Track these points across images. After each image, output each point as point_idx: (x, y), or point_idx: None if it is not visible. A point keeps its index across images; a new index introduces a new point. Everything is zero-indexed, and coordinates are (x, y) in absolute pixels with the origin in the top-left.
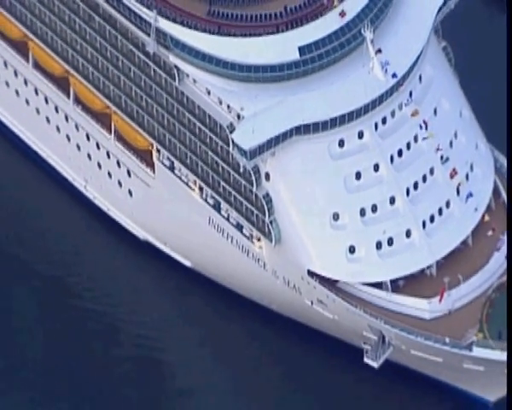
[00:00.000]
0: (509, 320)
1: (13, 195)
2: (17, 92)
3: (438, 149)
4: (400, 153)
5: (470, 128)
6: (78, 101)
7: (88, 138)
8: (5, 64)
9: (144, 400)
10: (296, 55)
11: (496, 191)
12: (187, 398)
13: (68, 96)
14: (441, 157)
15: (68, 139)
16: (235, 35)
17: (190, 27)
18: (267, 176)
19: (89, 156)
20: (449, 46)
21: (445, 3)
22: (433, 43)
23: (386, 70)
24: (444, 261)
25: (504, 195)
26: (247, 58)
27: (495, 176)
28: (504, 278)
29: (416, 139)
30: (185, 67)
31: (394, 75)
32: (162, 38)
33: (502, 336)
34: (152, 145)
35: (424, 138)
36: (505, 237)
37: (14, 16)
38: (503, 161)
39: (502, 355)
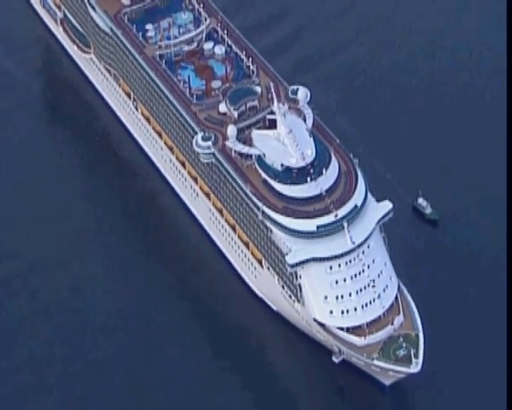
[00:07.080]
0: (508, 321)
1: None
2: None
3: (368, 276)
4: (356, 275)
5: (389, 270)
6: (234, 230)
7: (238, 247)
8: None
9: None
10: (315, 228)
11: (396, 299)
12: None
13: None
14: (373, 280)
15: (233, 248)
16: (294, 217)
17: (275, 212)
18: (300, 276)
19: (242, 259)
20: (385, 236)
21: (383, 218)
22: (377, 232)
23: (351, 240)
24: (369, 323)
25: (400, 302)
26: (296, 227)
27: (397, 292)
28: (393, 334)
29: (363, 270)
30: (273, 228)
31: (353, 243)
32: (264, 215)
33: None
34: (261, 257)
35: (366, 270)
36: (396, 319)
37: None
38: (402, 286)
39: (386, 366)
